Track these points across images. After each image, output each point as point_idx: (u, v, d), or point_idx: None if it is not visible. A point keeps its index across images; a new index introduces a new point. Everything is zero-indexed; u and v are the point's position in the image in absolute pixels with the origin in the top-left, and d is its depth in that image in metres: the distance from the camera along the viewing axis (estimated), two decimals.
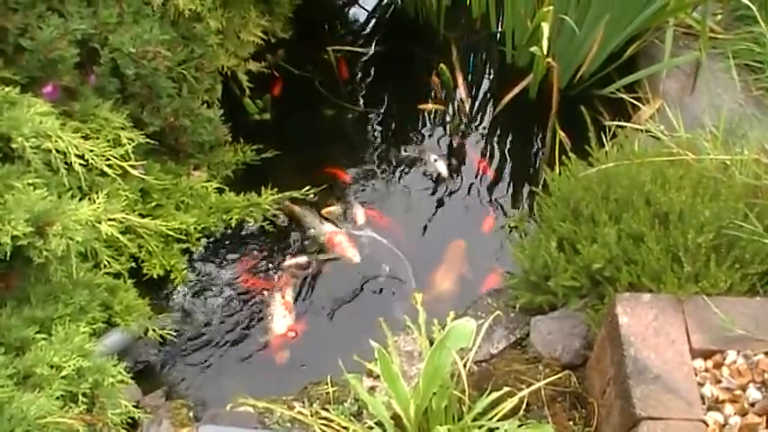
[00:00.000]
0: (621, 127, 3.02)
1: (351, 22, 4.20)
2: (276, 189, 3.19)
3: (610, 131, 2.93)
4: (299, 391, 2.65)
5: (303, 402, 2.59)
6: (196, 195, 3.02)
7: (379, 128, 3.74)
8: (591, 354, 2.52)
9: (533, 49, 3.32)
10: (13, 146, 2.28)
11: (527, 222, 3.27)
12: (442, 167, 3.52)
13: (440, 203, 3.42)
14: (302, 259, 3.19)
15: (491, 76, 3.99)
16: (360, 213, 3.33)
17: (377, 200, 3.41)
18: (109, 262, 2.52)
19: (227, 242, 3.20)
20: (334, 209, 3.32)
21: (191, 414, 2.56)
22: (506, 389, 2.37)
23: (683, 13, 3.50)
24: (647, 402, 2.09)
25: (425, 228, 3.32)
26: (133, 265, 2.76)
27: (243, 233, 3.22)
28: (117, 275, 2.65)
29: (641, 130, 3.00)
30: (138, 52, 2.70)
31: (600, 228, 2.53)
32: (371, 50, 4.01)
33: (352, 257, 3.18)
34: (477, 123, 3.75)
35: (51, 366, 2.09)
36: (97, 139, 2.62)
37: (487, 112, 3.80)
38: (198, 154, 3.16)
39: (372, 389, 2.56)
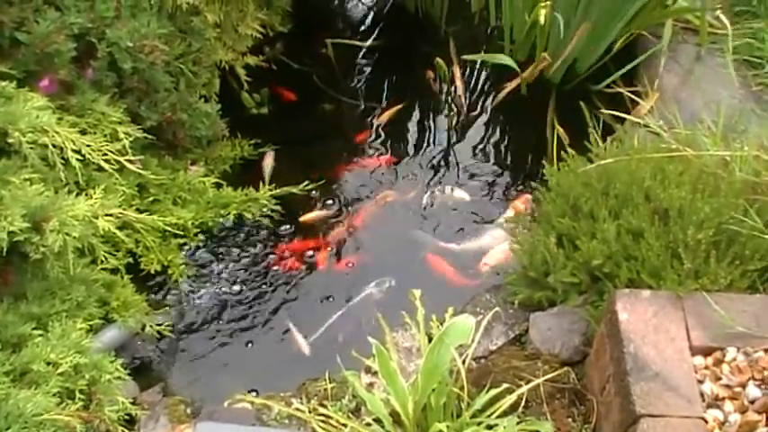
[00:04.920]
0: (620, 119, 3.00)
1: (350, 15, 4.18)
2: (274, 184, 3.18)
3: (609, 127, 2.92)
4: (297, 387, 2.64)
5: (301, 399, 2.58)
6: (194, 190, 3.01)
7: (377, 122, 3.71)
8: (590, 350, 2.51)
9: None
10: (10, 141, 2.27)
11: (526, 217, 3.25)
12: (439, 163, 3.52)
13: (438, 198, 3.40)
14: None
15: (489, 70, 3.98)
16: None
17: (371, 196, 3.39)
18: (106, 257, 2.51)
19: (224, 236, 3.18)
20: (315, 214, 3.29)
21: (188, 410, 2.56)
22: (505, 385, 2.36)
23: (687, 12, 3.49)
24: (646, 399, 2.08)
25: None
26: (130, 260, 2.75)
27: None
28: (114, 271, 2.65)
29: (640, 125, 2.99)
30: (135, 46, 2.69)
31: (599, 224, 2.53)
32: (370, 44, 3.99)
33: None
34: (474, 117, 3.72)
35: (48, 363, 2.09)
36: (94, 133, 2.61)
37: (485, 105, 3.78)
38: (195, 149, 3.16)
39: (371, 385, 2.56)
